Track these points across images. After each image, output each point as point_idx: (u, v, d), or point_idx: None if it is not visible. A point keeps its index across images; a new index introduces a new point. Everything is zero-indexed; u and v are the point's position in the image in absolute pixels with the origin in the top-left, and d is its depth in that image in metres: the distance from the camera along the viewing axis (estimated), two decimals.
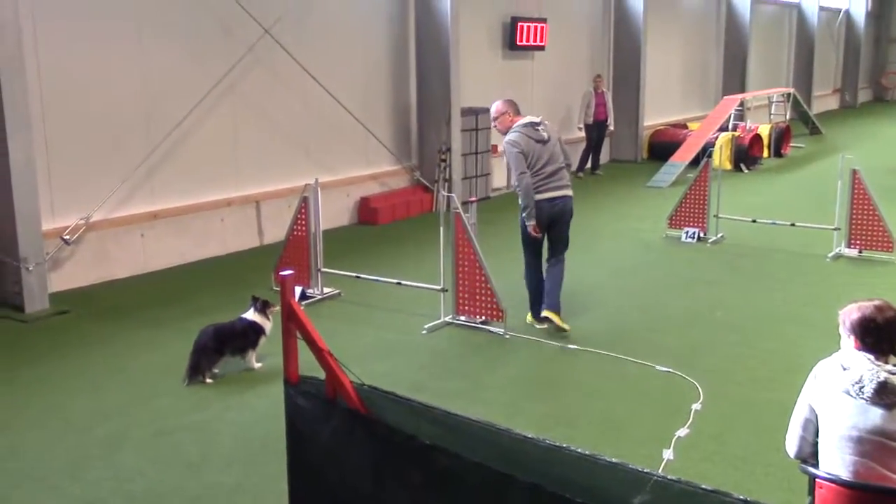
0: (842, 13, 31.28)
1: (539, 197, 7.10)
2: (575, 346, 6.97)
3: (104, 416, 5.74)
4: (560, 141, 7.29)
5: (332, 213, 11.52)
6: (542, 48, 15.37)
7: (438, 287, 7.60)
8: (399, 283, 8.17)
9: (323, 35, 11.52)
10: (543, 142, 7.12)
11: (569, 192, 7.26)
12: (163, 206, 9.67)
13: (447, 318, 7.53)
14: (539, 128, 7.15)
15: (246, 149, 10.59)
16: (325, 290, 8.41)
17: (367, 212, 12.10)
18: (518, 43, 14.77)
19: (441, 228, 7.46)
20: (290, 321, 3.50)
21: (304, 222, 8.32)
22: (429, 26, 12.64)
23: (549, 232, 7.31)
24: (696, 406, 5.79)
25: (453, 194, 7.48)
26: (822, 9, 27.99)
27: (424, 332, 7.35)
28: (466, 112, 13.28)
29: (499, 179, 14.75)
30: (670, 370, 6.43)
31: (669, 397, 5.99)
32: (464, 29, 13.14)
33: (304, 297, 8.13)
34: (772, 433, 5.09)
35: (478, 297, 7.34)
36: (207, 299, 8.41)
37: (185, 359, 6.34)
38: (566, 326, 7.25)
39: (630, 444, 5.28)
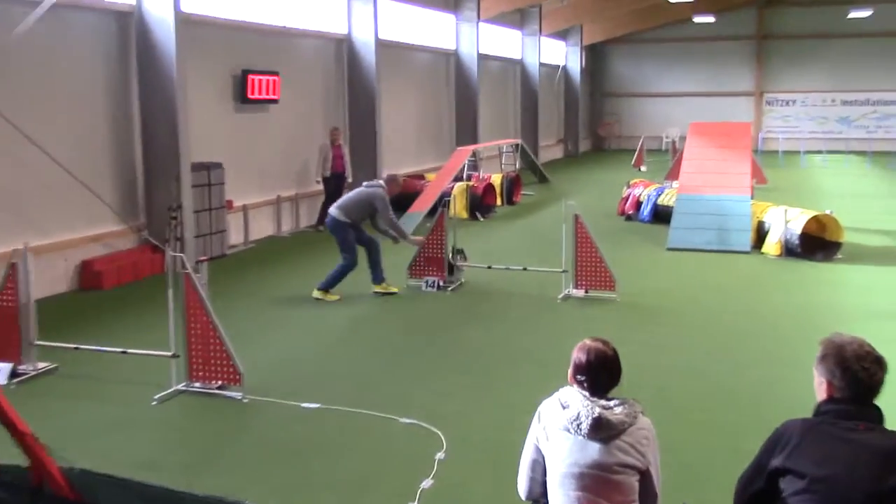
0: (560, 69, 33.99)
1: None
2: (317, 405, 6.87)
3: None
4: (372, 197, 10.50)
5: (48, 280, 10.69)
6: (275, 101, 15.34)
7: (169, 353, 7.24)
8: (124, 352, 7.70)
9: (34, 87, 10.77)
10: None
11: (330, 212, 10.59)
12: None
13: (180, 386, 7.19)
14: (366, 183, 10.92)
15: None
16: (40, 365, 7.73)
17: (89, 276, 11.34)
18: (249, 96, 14.65)
19: (169, 290, 7.14)
20: None
21: (12, 292, 7.63)
22: (153, 77, 12.20)
23: None
24: (439, 455, 5.88)
25: (182, 254, 7.21)
26: (542, 65, 30.24)
27: (155, 402, 6.97)
28: (198, 167, 12.92)
29: (235, 236, 14.44)
30: (414, 421, 6.50)
31: (414, 449, 6.04)
32: (192, 80, 12.82)
33: (14, 374, 7.43)
34: (514, 475, 5.26)
35: (213, 362, 7.07)
36: None
37: None
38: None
39: (377, 500, 5.25)
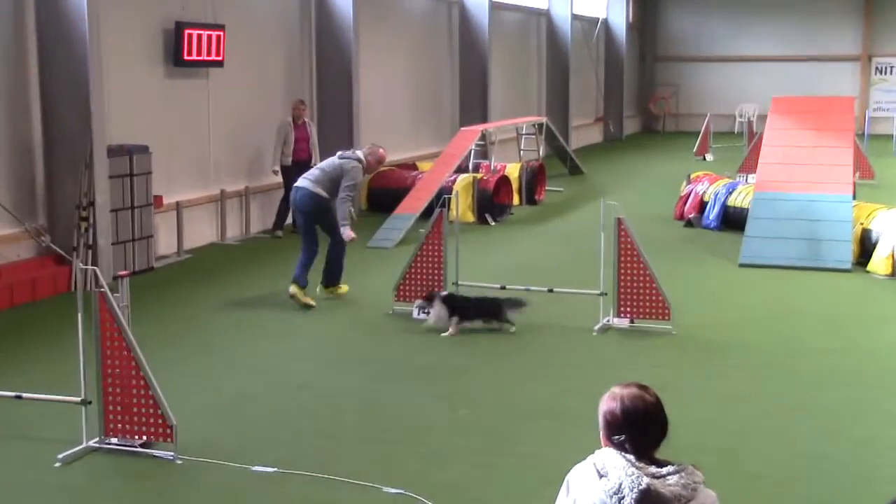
0: (599, 24, 34.04)
1: None
2: (273, 470, 6.92)
3: None
4: (343, 169, 11.47)
5: None
6: (219, 64, 15.41)
7: (78, 398, 7.31)
8: (18, 397, 7.76)
9: None
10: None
11: (301, 184, 11.70)
12: None
13: (91, 443, 7.25)
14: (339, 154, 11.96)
15: None
16: None
17: None
18: (186, 57, 14.73)
19: (79, 315, 7.20)
20: None
21: None
22: (57, 31, 12.27)
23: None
24: None
25: (95, 267, 7.28)
26: (575, 18, 30.33)
27: (58, 464, 7.03)
28: (116, 151, 13.00)
29: (166, 244, 14.49)
30: (400, 491, 6.55)
31: None
32: (109, 36, 12.90)
33: None
34: None
35: (136, 411, 7.14)
36: None
37: None
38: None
39: None
